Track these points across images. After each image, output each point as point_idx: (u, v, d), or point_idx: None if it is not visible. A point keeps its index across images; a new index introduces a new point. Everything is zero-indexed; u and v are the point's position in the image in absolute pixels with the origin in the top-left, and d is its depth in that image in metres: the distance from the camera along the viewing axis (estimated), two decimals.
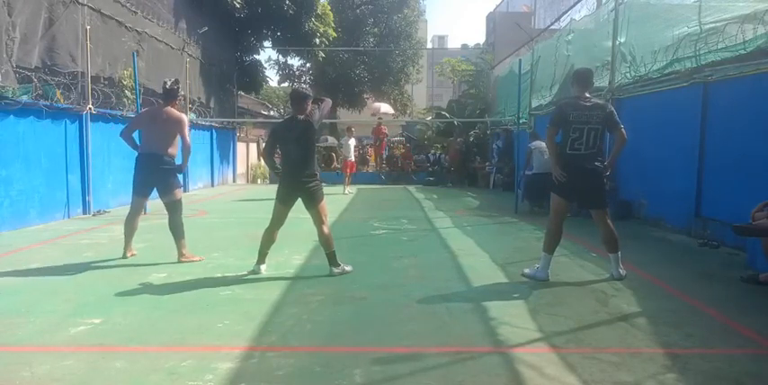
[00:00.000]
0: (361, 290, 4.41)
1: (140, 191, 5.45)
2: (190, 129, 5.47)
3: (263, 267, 4.92)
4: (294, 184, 4.78)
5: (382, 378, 2.78)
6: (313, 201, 4.78)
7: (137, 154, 5.44)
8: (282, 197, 4.84)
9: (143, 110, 5.72)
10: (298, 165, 4.74)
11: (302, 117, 4.75)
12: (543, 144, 9.08)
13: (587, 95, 4.71)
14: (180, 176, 5.54)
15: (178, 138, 5.35)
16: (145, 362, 2.94)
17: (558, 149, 4.71)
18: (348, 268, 4.93)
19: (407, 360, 3.01)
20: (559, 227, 4.74)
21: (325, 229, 4.83)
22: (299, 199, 4.84)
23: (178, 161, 5.47)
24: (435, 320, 3.67)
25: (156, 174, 5.30)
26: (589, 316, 3.75)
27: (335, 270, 4.85)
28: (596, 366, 2.90)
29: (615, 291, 4.36)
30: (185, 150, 5.42)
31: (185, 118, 5.42)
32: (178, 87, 5.47)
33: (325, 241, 4.84)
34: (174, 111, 5.38)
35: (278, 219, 4.90)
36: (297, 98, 4.82)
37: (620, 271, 4.68)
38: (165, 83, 5.44)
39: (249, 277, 4.81)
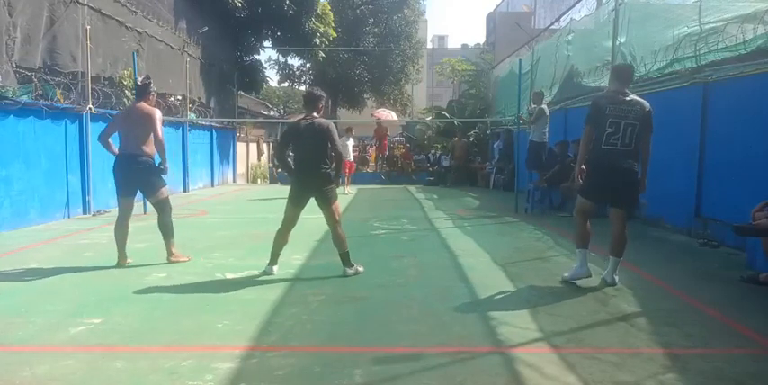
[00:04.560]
0: (362, 290, 4.41)
1: (122, 192, 5.29)
2: (163, 124, 5.28)
3: (275, 268, 4.91)
4: (307, 185, 4.77)
5: (382, 378, 2.78)
6: (326, 202, 4.76)
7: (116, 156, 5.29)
8: (295, 197, 4.82)
9: (121, 111, 5.58)
10: (310, 165, 4.72)
11: (315, 118, 4.75)
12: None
13: (626, 91, 4.50)
14: (164, 176, 5.35)
15: (150, 139, 5.17)
16: (145, 362, 2.95)
17: (593, 144, 4.47)
18: (361, 269, 4.91)
19: (407, 360, 3.01)
20: (585, 226, 4.56)
21: (339, 230, 4.81)
22: (311, 199, 4.83)
23: (158, 159, 5.28)
24: (435, 320, 3.67)
25: (135, 174, 5.15)
26: (589, 316, 3.75)
27: (349, 270, 4.83)
28: (596, 366, 2.90)
29: (615, 291, 4.36)
30: (158, 145, 5.18)
31: (157, 112, 5.23)
32: (149, 82, 5.33)
33: (338, 241, 4.82)
34: (145, 106, 5.22)
35: (290, 220, 4.89)
36: (310, 99, 4.85)
37: (615, 277, 4.51)
38: (137, 79, 5.39)
39: (249, 277, 4.81)
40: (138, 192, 5.37)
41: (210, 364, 2.91)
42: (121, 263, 5.27)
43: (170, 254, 5.35)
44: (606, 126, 4.38)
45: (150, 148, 5.19)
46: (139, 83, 5.34)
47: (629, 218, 4.65)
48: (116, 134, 5.31)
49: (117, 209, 5.41)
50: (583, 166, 4.56)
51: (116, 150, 5.29)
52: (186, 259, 5.40)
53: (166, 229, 5.33)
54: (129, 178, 5.19)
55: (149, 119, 5.13)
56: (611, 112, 4.38)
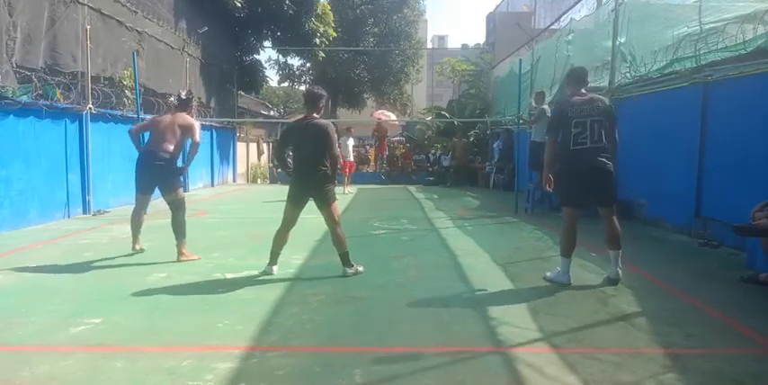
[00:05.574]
0: (362, 290, 4.41)
1: (141, 188, 5.55)
2: (201, 132, 5.68)
3: (275, 268, 4.91)
4: (306, 185, 4.76)
5: (382, 378, 2.78)
6: (325, 203, 4.75)
7: (139, 152, 5.57)
8: (294, 198, 4.82)
9: (160, 115, 5.93)
10: (309, 166, 4.70)
11: (316, 118, 4.75)
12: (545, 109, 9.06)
13: (583, 91, 4.60)
14: (181, 177, 5.63)
15: (182, 143, 5.48)
16: (145, 362, 2.95)
17: (560, 148, 4.54)
18: (361, 269, 4.91)
19: (407, 360, 3.01)
20: (573, 229, 4.57)
21: (339, 230, 4.80)
22: (311, 199, 4.82)
23: (180, 163, 5.56)
24: (435, 320, 3.67)
25: (154, 170, 5.37)
26: (589, 316, 3.75)
27: (349, 270, 4.83)
28: (596, 366, 2.90)
29: (615, 291, 4.36)
30: (193, 148, 5.50)
31: (196, 123, 5.60)
32: (191, 97, 5.86)
33: (338, 242, 4.81)
34: (186, 116, 5.58)
35: (289, 220, 4.88)
36: (311, 98, 4.83)
37: (618, 270, 4.53)
38: (180, 93, 5.83)
39: (249, 277, 4.81)
40: (157, 190, 5.55)
41: (210, 364, 2.91)
42: (135, 247, 5.65)
43: (180, 253, 5.43)
44: (572, 127, 4.44)
45: (175, 151, 5.44)
46: (183, 97, 5.74)
47: (620, 216, 4.65)
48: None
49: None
50: (550, 175, 4.67)
51: (140, 147, 5.62)
52: (196, 258, 5.48)
53: (179, 229, 5.45)
54: (150, 174, 5.41)
55: (191, 128, 5.46)
56: (574, 114, 4.44)
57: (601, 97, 4.60)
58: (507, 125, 14.79)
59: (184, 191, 6.05)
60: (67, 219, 8.43)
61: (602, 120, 4.43)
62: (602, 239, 4.66)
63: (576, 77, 4.74)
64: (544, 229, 7.52)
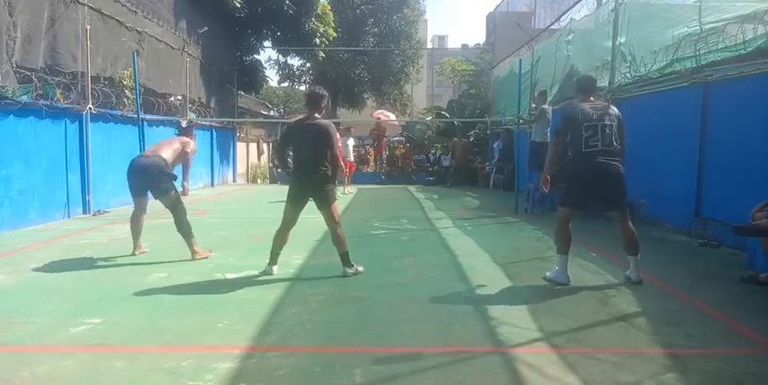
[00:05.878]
0: (361, 290, 4.41)
1: (134, 191, 5.57)
2: (195, 150, 5.94)
3: (274, 268, 4.91)
4: (306, 185, 4.76)
5: (382, 378, 2.78)
6: (325, 203, 4.75)
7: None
8: (294, 198, 4.82)
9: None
10: (309, 166, 4.70)
11: (317, 118, 4.74)
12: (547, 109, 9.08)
13: (592, 99, 4.66)
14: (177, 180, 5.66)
15: (179, 154, 5.62)
16: (145, 362, 2.95)
17: (570, 150, 4.53)
18: (361, 269, 4.90)
19: (407, 360, 3.01)
20: (566, 229, 4.59)
21: (339, 230, 4.80)
22: (311, 200, 4.82)
23: (176, 171, 5.67)
24: (435, 320, 3.67)
25: (143, 172, 5.39)
26: (589, 316, 3.75)
27: (349, 270, 4.83)
28: (596, 366, 2.90)
29: (615, 291, 4.36)
30: (185, 167, 5.76)
31: (191, 141, 5.84)
32: (192, 125, 6.55)
33: (338, 242, 4.81)
34: (183, 137, 5.90)
35: (289, 220, 4.88)
36: (313, 98, 4.84)
37: (639, 273, 4.55)
38: (181, 123, 6.47)
39: (249, 277, 4.81)
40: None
41: (210, 364, 2.91)
42: (135, 253, 5.62)
43: (193, 252, 5.46)
44: (583, 130, 4.45)
45: (169, 159, 5.51)
46: (183, 125, 6.37)
47: (626, 208, 4.66)
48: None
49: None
50: (548, 176, 4.73)
51: None
52: (209, 254, 5.54)
53: (184, 229, 5.47)
54: (139, 176, 5.43)
55: (186, 142, 5.76)
56: (585, 118, 4.46)
57: (610, 104, 4.69)
58: (507, 125, 14.78)
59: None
60: (67, 219, 8.43)
61: (612, 125, 4.46)
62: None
63: (585, 85, 4.80)
64: (544, 229, 7.51)
